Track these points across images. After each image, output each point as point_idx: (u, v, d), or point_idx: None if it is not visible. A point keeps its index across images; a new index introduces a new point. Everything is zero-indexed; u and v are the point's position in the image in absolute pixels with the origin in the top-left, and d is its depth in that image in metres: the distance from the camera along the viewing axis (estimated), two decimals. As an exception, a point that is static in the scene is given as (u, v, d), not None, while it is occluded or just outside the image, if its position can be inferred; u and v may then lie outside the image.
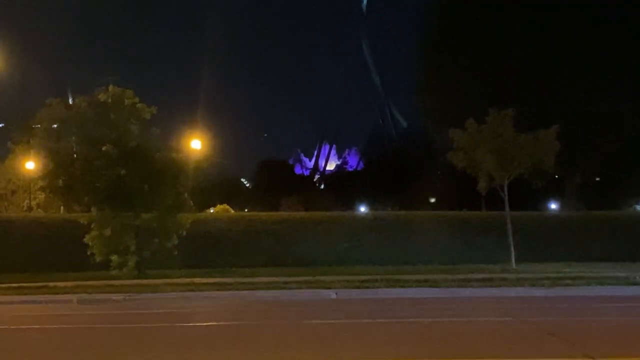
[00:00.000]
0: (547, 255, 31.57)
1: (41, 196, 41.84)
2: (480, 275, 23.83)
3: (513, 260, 28.99)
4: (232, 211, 51.66)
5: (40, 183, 30.19)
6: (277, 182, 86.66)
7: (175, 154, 28.32)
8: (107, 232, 27.10)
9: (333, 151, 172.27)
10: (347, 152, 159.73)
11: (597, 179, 58.73)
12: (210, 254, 31.31)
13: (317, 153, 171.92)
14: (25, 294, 20.50)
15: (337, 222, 34.34)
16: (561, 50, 42.04)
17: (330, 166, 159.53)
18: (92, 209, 27.86)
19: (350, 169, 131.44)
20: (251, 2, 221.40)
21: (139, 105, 28.18)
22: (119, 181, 26.94)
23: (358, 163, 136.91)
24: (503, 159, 28.97)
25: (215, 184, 61.09)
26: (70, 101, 29.64)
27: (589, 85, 41.91)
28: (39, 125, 27.89)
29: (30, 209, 44.71)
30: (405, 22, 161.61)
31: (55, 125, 27.89)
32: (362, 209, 70.55)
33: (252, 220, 34.30)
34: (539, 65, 42.56)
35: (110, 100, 27.80)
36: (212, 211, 48.90)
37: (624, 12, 43.04)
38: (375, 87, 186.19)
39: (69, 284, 22.81)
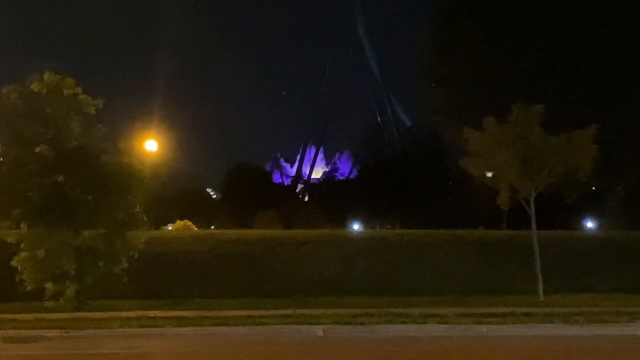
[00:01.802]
0: (583, 284, 31.68)
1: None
2: (501, 309, 23.94)
3: (540, 290, 29.10)
4: (196, 229, 51.43)
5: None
6: (251, 193, 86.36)
7: (126, 157, 28.26)
8: (41, 253, 26.86)
9: (320, 155, 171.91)
10: (337, 156, 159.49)
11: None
12: (168, 281, 31.25)
13: (300, 157, 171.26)
14: None
15: (325, 242, 34.29)
16: (601, 34, 42.13)
17: (317, 173, 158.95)
18: (22, 224, 27.55)
19: (341, 177, 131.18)
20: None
21: (81, 97, 28.06)
22: (55, 190, 26.76)
23: (351, 170, 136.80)
24: (529, 166, 29.12)
25: (175, 195, 61.03)
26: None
27: (636, 78, 42.10)
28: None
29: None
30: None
31: (-25, 122, 27.79)
32: (356, 226, 70.71)
33: (220, 239, 34.20)
34: (574, 52, 42.68)
35: (45, 90, 27.63)
36: (170, 228, 48.79)
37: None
38: (372, 76, 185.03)
39: (-8, 317, 22.71)
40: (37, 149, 26.59)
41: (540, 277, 29.35)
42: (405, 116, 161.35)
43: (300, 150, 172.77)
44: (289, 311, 23.83)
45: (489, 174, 30.41)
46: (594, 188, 42.69)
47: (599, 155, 29.44)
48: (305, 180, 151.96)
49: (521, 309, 24.18)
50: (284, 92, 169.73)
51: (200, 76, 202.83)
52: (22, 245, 27.29)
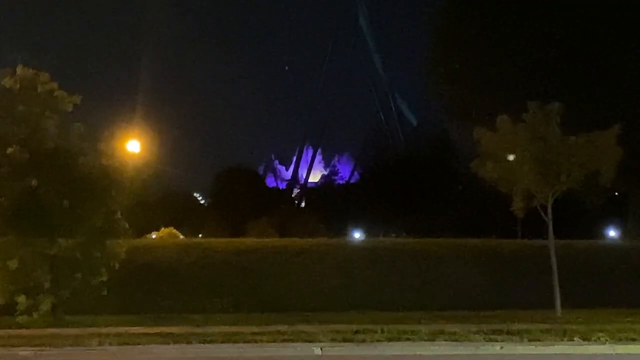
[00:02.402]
0: (605, 298, 31.66)
1: None
2: (515, 326, 23.73)
3: (558, 304, 29.09)
4: (182, 237, 51.39)
5: None
6: (243, 199, 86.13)
7: (106, 159, 28.20)
8: (13, 264, 26.70)
9: (318, 157, 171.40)
10: (336, 158, 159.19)
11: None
12: (151, 295, 31.24)
13: (296, 160, 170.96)
14: None
15: (323, 252, 34.34)
16: (625, 26, 41.97)
17: (315, 177, 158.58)
18: (-8, 233, 27.63)
19: (341, 181, 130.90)
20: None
21: (57, 93, 28.01)
22: (29, 195, 26.71)
23: (351, 173, 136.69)
24: (547, 170, 29.12)
25: (159, 201, 60.89)
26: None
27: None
28: None
29: None
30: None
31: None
32: (357, 234, 70.51)
33: (209, 249, 34.21)
34: (596, 45, 42.57)
35: (18, 86, 27.60)
36: (155, 237, 48.80)
37: None
38: (375, 71, 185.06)
39: (-41, 334, 22.57)
40: (9, 150, 26.52)
41: (558, 290, 29.31)
42: (410, 115, 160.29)
43: (297, 152, 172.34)
44: (284, 327, 23.68)
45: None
46: (617, 193, 42.62)
47: (623, 157, 29.45)
48: (302, 185, 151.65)
49: (538, 325, 24.01)
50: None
51: (188, 71, 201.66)
52: (-8, 256, 27.14)
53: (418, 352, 19.08)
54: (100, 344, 20.67)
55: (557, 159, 29.04)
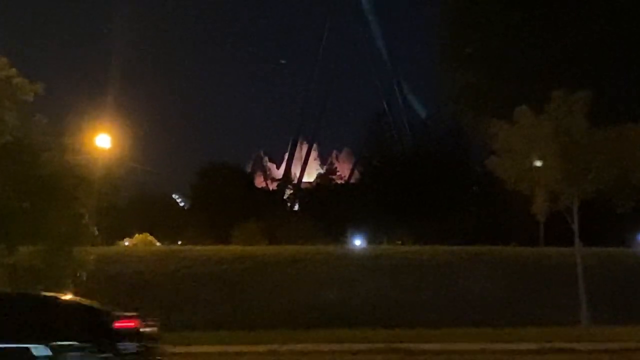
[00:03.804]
0: (636, 312, 31.42)
1: None
2: (537, 344, 23.93)
3: (585, 319, 29.31)
4: (159, 244, 51.36)
5: None
6: (228, 200, 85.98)
7: (72, 155, 28.22)
8: (-35, 274, 26.94)
9: (313, 153, 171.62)
10: (334, 155, 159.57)
11: None
12: (123, 309, 30.83)
13: (288, 156, 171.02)
14: None
15: (319, 261, 34.46)
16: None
17: (309, 176, 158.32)
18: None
19: (339, 181, 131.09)
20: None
21: (17, 80, 27.98)
22: (-17, 196, 26.82)
23: (351, 172, 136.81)
24: (572, 168, 29.34)
25: (133, 203, 60.83)
26: None
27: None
28: None
29: None
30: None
31: None
32: (358, 241, 70.52)
33: (189, 257, 34.27)
34: (627, 29, 42.63)
35: (-29, 73, 27.72)
36: (128, 244, 48.81)
37: None
38: (378, 56, 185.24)
39: None
40: (-39, 145, 26.60)
41: (584, 303, 29.57)
42: (419, 106, 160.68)
43: (289, 148, 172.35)
44: (274, 347, 23.84)
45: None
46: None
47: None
48: (295, 185, 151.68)
49: (562, 343, 24.12)
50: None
51: (166, 56, 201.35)
52: (-58, 265, 27.23)
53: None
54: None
55: (584, 156, 29.28)
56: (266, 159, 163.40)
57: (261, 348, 23.41)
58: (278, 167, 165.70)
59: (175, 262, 33.69)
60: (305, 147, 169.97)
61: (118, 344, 13.57)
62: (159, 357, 14.95)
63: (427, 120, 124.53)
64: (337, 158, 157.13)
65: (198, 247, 37.75)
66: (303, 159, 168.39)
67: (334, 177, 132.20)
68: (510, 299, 32.49)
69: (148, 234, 53.48)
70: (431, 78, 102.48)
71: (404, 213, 75.41)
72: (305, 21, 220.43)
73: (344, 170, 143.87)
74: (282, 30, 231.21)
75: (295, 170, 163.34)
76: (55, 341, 13.23)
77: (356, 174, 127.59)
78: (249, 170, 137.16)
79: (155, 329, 15.33)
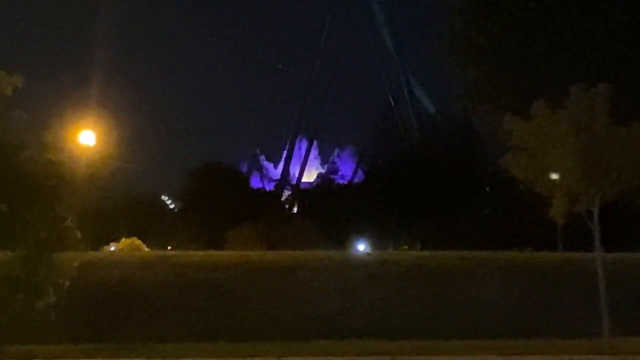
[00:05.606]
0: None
1: None
2: (551, 357, 24.54)
3: (607, 330, 29.18)
4: (147, 249, 51.16)
5: None
6: (222, 202, 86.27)
7: (54, 153, 27.89)
8: (-61, 282, 26.64)
9: (314, 152, 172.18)
10: (336, 153, 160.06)
11: None
12: (109, 320, 31.18)
13: (286, 155, 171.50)
14: None
15: (320, 268, 34.16)
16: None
17: (309, 176, 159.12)
18: None
19: (341, 181, 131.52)
20: None
21: (-6, 73, 27.87)
22: (-42, 198, 26.52)
23: (354, 171, 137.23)
24: (593, 167, 29.15)
25: (119, 205, 60.79)
26: None
27: None
28: None
29: None
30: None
31: None
32: (361, 246, 70.56)
33: (180, 264, 34.05)
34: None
35: (-53, 65, 27.51)
36: (114, 249, 48.67)
37: None
38: (383, 47, 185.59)
39: None
40: None
41: (606, 313, 29.43)
42: (427, 101, 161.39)
43: (287, 146, 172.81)
44: (272, 360, 23.44)
45: (554, 176, 30.24)
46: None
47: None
48: (294, 185, 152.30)
49: (581, 356, 24.48)
50: (279, 66, 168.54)
51: (155, 48, 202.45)
52: None
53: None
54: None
55: (606, 154, 29.19)
56: (262, 157, 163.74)
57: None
58: (275, 167, 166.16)
59: (165, 269, 33.45)
60: (304, 145, 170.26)
61: None
62: None
63: (436, 116, 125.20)
64: (338, 157, 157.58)
65: (189, 253, 37.84)
66: (302, 158, 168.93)
67: (335, 177, 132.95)
68: (526, 309, 32.21)
69: (135, 238, 53.33)
70: (441, 71, 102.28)
71: (411, 216, 75.59)
72: (306, 9, 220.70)
73: (346, 169, 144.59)
74: (282, 20, 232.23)
75: (294, 170, 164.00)
76: None
77: (360, 173, 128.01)
78: (244, 170, 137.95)
79: None
